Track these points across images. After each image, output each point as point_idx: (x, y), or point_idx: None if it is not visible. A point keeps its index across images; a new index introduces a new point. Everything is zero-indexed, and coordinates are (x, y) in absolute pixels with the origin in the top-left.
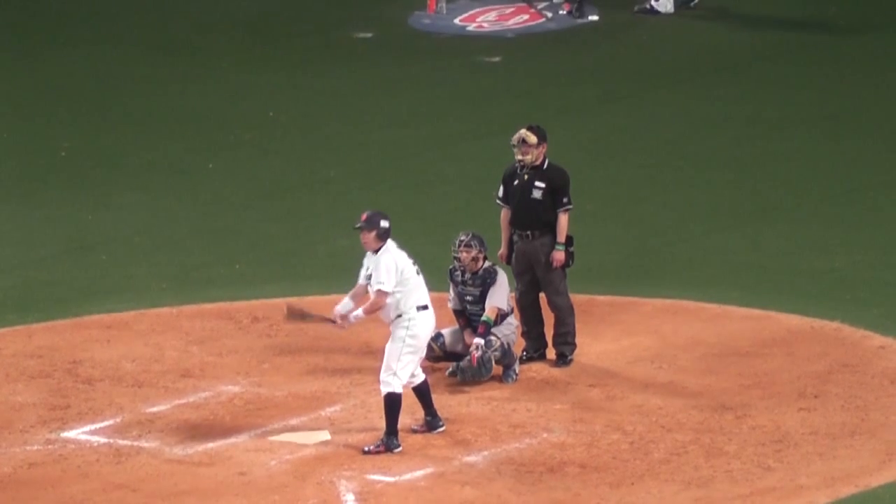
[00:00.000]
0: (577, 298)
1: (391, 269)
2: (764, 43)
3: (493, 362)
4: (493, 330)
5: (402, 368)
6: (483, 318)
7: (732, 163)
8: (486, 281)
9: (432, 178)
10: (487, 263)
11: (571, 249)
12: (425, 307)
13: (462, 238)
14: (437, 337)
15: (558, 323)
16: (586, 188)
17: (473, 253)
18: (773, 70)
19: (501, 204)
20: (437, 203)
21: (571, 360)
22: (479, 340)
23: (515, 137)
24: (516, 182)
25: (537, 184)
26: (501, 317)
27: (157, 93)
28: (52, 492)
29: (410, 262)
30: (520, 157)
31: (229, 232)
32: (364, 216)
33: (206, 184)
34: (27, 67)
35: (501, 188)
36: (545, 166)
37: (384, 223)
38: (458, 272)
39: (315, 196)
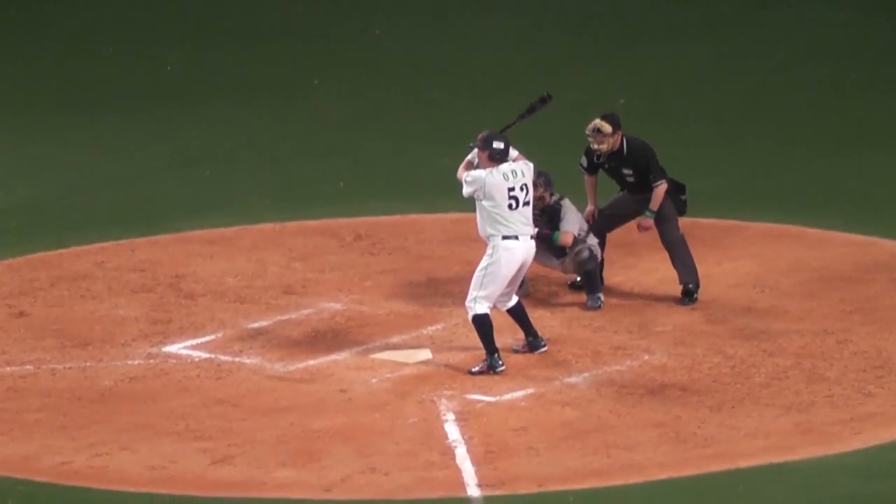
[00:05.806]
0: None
1: (477, 178)
2: None
3: (582, 264)
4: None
5: (482, 295)
6: (554, 235)
7: (837, 89)
8: (553, 217)
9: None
10: (554, 198)
11: (684, 198)
12: (514, 237)
13: None
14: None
15: (676, 259)
16: (692, 113)
17: (539, 192)
18: None
19: (584, 172)
20: (537, 128)
21: (697, 299)
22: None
23: (590, 127)
24: (606, 167)
25: (625, 171)
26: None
27: (262, 8)
28: (153, 405)
29: (507, 191)
30: (595, 146)
31: (333, 149)
32: (480, 135)
33: (311, 101)
34: None
35: (585, 158)
36: (625, 151)
37: (497, 144)
38: None
39: (419, 115)
